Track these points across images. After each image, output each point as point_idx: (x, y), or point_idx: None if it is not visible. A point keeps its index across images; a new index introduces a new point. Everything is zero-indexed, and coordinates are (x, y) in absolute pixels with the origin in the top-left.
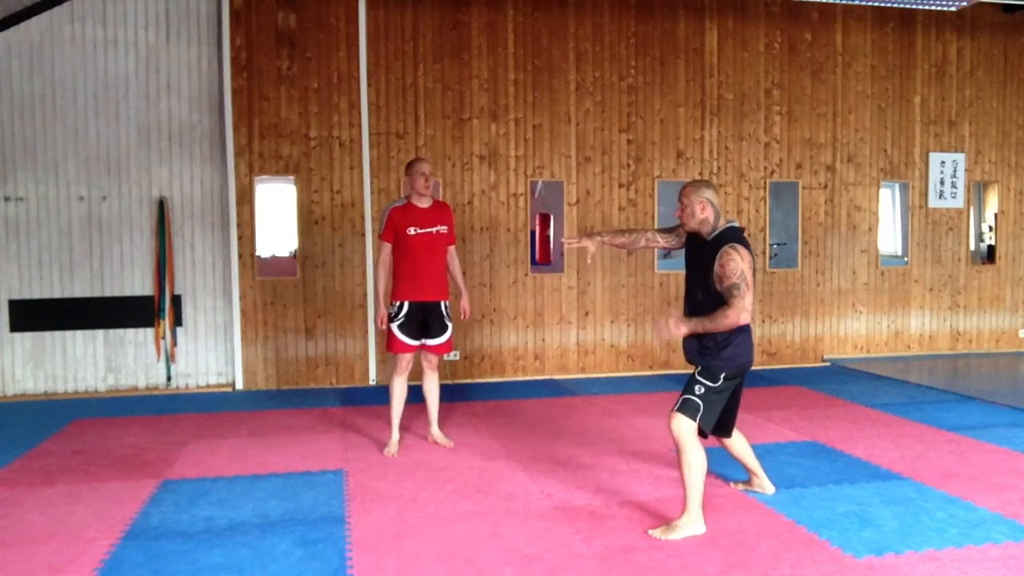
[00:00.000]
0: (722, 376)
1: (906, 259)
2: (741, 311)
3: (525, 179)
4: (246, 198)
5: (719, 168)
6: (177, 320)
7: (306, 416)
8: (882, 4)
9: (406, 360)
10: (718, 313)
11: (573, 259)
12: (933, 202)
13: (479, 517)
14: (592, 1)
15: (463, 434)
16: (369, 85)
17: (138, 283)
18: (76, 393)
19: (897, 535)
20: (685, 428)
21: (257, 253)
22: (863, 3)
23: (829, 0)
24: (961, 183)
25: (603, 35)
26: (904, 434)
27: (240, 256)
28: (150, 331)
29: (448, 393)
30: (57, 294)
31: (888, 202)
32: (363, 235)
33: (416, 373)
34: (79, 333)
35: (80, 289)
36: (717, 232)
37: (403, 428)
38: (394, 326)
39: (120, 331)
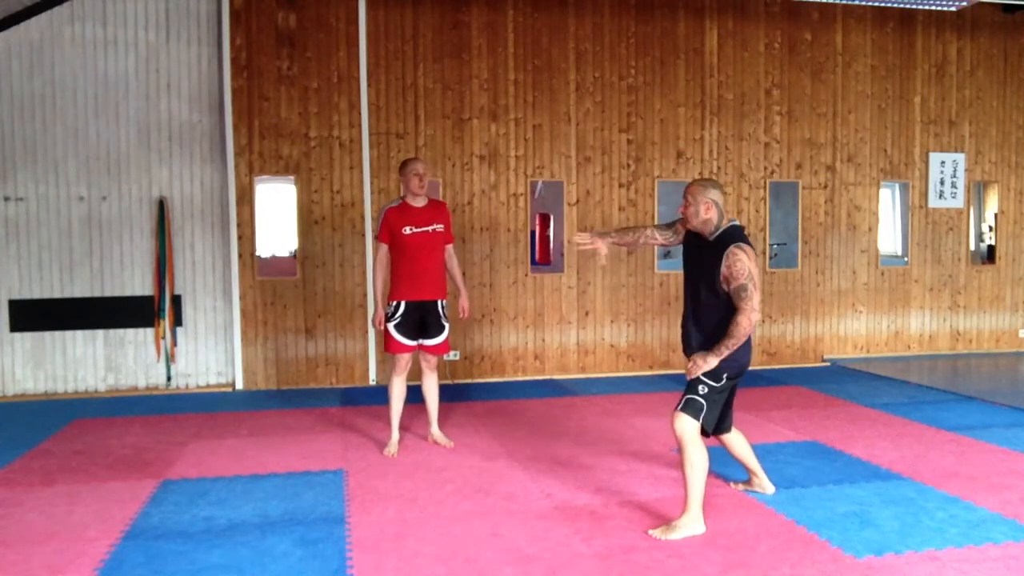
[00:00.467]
0: (725, 376)
1: (906, 259)
2: (751, 312)
3: (525, 179)
4: (246, 198)
5: (719, 168)
6: (177, 320)
7: (306, 416)
8: (882, 4)
9: (404, 360)
10: (732, 326)
11: (573, 259)
12: (933, 202)
13: (479, 517)
14: (592, 1)
15: (463, 434)
16: (369, 85)
17: (138, 283)
18: (76, 393)
19: (897, 535)
20: (688, 428)
21: (257, 253)
22: (863, 3)
23: (829, 0)
24: (961, 183)
25: (603, 35)
26: (904, 434)
27: (240, 256)
28: (150, 331)
29: (448, 393)
30: (57, 294)
31: (888, 202)
32: (363, 235)
33: (416, 373)
34: (79, 333)
35: (80, 289)
36: (720, 232)
37: (403, 428)
38: (391, 326)
39: (120, 331)
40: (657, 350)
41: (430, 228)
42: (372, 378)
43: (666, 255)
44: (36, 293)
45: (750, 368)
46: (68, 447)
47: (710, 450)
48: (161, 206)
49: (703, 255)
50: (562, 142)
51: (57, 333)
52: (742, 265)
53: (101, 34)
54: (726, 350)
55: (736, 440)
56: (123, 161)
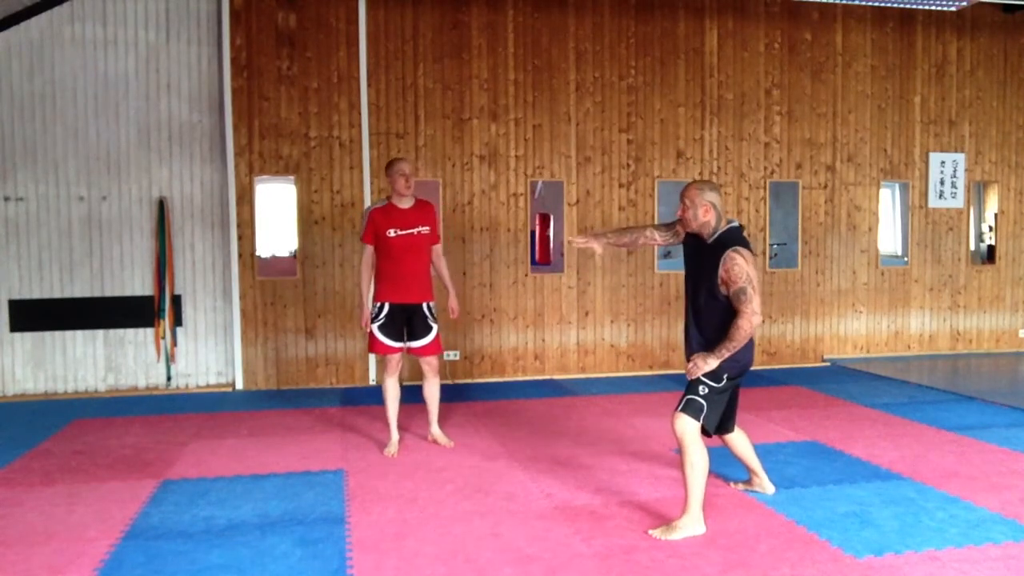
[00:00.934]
0: (725, 376)
1: (906, 259)
2: (751, 315)
3: (525, 179)
4: (246, 198)
5: (719, 168)
6: (177, 320)
7: (306, 416)
8: (882, 4)
9: (395, 361)
10: (732, 328)
11: (573, 259)
12: (933, 202)
13: (479, 517)
14: (592, 1)
15: (463, 434)
16: (369, 85)
17: (138, 283)
18: (76, 393)
19: (897, 535)
20: (689, 428)
21: (257, 253)
22: (863, 3)
23: (829, 0)
24: (961, 183)
25: (603, 35)
26: (904, 434)
27: (240, 256)
28: (150, 331)
29: (448, 393)
30: (57, 294)
31: (888, 202)
32: None
33: (418, 374)
34: (79, 333)
35: (80, 289)
36: (718, 234)
37: (403, 428)
38: (374, 327)
39: (120, 331)
40: (657, 350)
41: (415, 230)
42: (372, 378)
43: (666, 255)
44: (36, 293)
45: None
46: (68, 447)
47: (710, 450)
48: (161, 206)
49: (702, 257)
50: (562, 142)
51: (57, 333)
52: (739, 269)
53: (101, 34)
54: (726, 352)
55: (738, 439)
56: (123, 161)
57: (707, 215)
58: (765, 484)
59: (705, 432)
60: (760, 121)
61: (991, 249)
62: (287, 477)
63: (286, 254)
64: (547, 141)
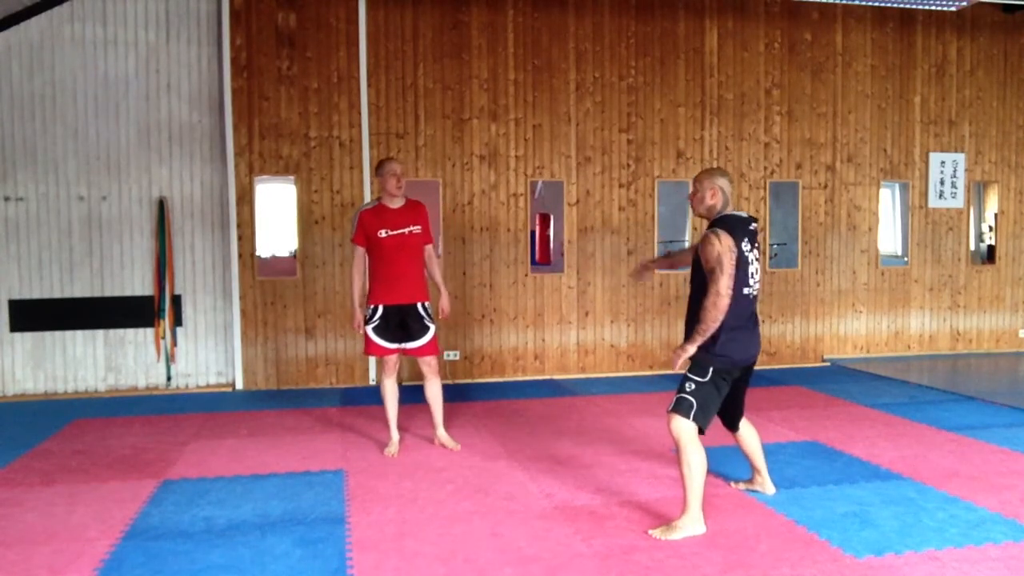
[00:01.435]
0: (711, 370)
1: (906, 259)
2: (715, 296)
3: (525, 179)
4: (246, 198)
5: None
6: (177, 320)
7: (306, 416)
8: (882, 4)
9: (392, 361)
10: (701, 311)
11: (573, 259)
12: (933, 202)
13: (479, 517)
14: (592, 1)
15: (463, 434)
16: (369, 85)
17: (138, 283)
18: (76, 393)
19: (897, 535)
20: (685, 428)
21: (257, 253)
22: (863, 3)
23: (829, 0)
24: (961, 183)
25: (603, 35)
26: (904, 434)
27: (240, 256)
28: (150, 331)
29: (448, 393)
30: (57, 294)
31: (888, 202)
32: None
33: (418, 374)
34: (79, 333)
35: (80, 289)
36: (714, 219)
37: (402, 428)
38: (369, 328)
39: (120, 331)
40: (657, 350)
41: (406, 230)
42: (372, 378)
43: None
44: (36, 293)
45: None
46: (68, 447)
47: (710, 450)
48: (161, 206)
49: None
50: (562, 142)
51: (57, 333)
52: (711, 248)
53: (101, 34)
54: (699, 336)
55: (747, 436)
56: (123, 161)
57: (714, 198)
58: (766, 484)
59: (701, 430)
60: (760, 121)
61: (991, 249)
62: (287, 477)
63: (286, 254)
64: (547, 141)
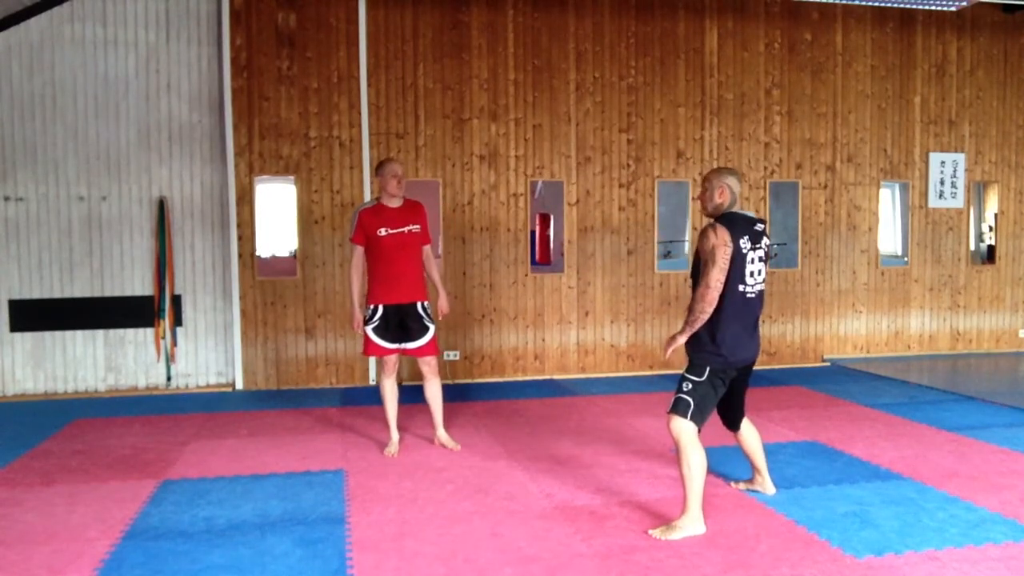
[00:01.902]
0: (707, 370)
1: (906, 259)
2: (703, 288)
3: (525, 179)
4: (246, 198)
5: None
6: (177, 320)
7: (306, 416)
8: (882, 4)
9: (391, 362)
10: (691, 302)
11: (573, 259)
12: (933, 202)
13: (479, 517)
14: (592, 1)
15: (463, 434)
16: (369, 85)
17: (138, 283)
18: (76, 393)
19: (897, 535)
20: (685, 428)
21: (257, 253)
22: (863, 3)
23: (829, 0)
24: (961, 183)
25: (603, 35)
26: (904, 434)
27: (240, 256)
28: (150, 331)
29: (448, 393)
30: (57, 294)
31: (888, 202)
32: None
33: (417, 375)
34: (79, 333)
35: (80, 289)
36: (719, 216)
37: (402, 428)
38: (368, 329)
39: (120, 331)
40: (657, 350)
41: (406, 229)
42: (372, 378)
43: (666, 255)
44: (36, 293)
45: (751, 367)
46: (68, 447)
47: (710, 450)
48: (161, 206)
49: None
50: (562, 142)
51: (57, 333)
52: (706, 241)
53: (101, 34)
54: (688, 328)
55: (747, 435)
56: (123, 161)
57: (722, 197)
58: (767, 484)
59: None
60: (760, 121)
61: (991, 249)
62: (287, 477)
63: (286, 254)
64: (547, 141)
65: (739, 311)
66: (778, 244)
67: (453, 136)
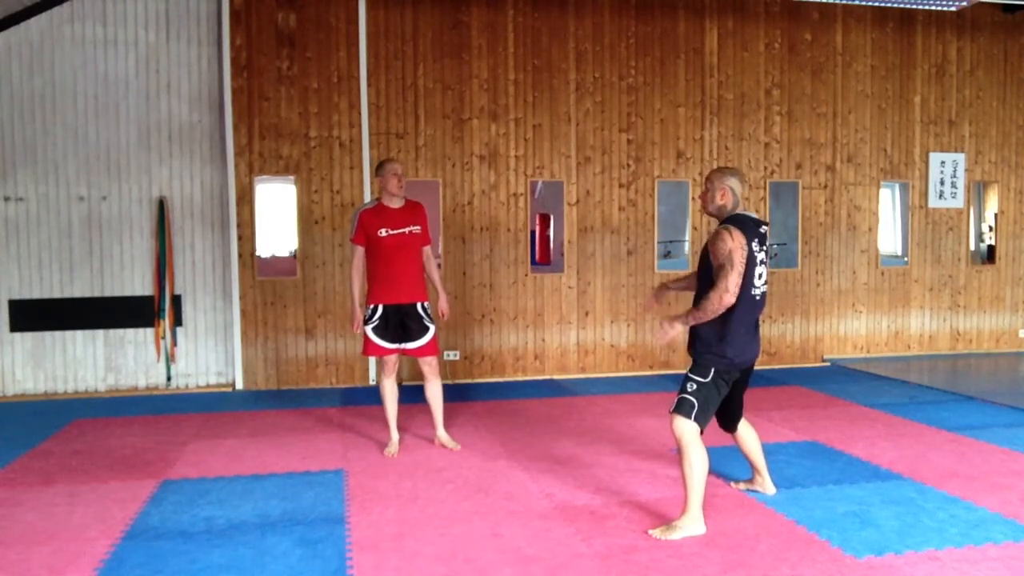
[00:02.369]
0: (712, 371)
1: (906, 259)
2: (723, 292)
3: (525, 179)
4: (246, 198)
5: None
6: (177, 320)
7: (306, 416)
8: (882, 4)
9: (391, 362)
10: (704, 300)
11: (573, 259)
12: (933, 202)
13: (479, 517)
14: (592, 1)
15: (463, 434)
16: (369, 85)
17: (138, 283)
18: (76, 393)
19: (897, 535)
20: (687, 429)
21: (257, 253)
22: (863, 3)
23: (829, 0)
24: (961, 183)
25: (603, 35)
26: (904, 434)
27: (240, 256)
28: (150, 331)
29: (448, 393)
30: (57, 294)
31: (888, 202)
32: None
33: (417, 375)
34: (79, 333)
35: (80, 289)
36: (725, 218)
37: (402, 428)
38: (368, 329)
39: (120, 331)
40: (657, 350)
41: (406, 230)
42: (372, 378)
43: (666, 255)
44: (36, 293)
45: (752, 368)
46: (68, 447)
47: (710, 450)
48: (161, 206)
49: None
50: (562, 142)
51: (57, 333)
52: (721, 245)
53: (101, 34)
54: (691, 319)
55: (746, 436)
56: (123, 161)
57: (724, 198)
58: (767, 484)
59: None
60: (760, 121)
61: (991, 249)
62: (287, 477)
63: (286, 254)
64: (547, 141)
65: (747, 313)
66: (778, 244)
67: (453, 136)
